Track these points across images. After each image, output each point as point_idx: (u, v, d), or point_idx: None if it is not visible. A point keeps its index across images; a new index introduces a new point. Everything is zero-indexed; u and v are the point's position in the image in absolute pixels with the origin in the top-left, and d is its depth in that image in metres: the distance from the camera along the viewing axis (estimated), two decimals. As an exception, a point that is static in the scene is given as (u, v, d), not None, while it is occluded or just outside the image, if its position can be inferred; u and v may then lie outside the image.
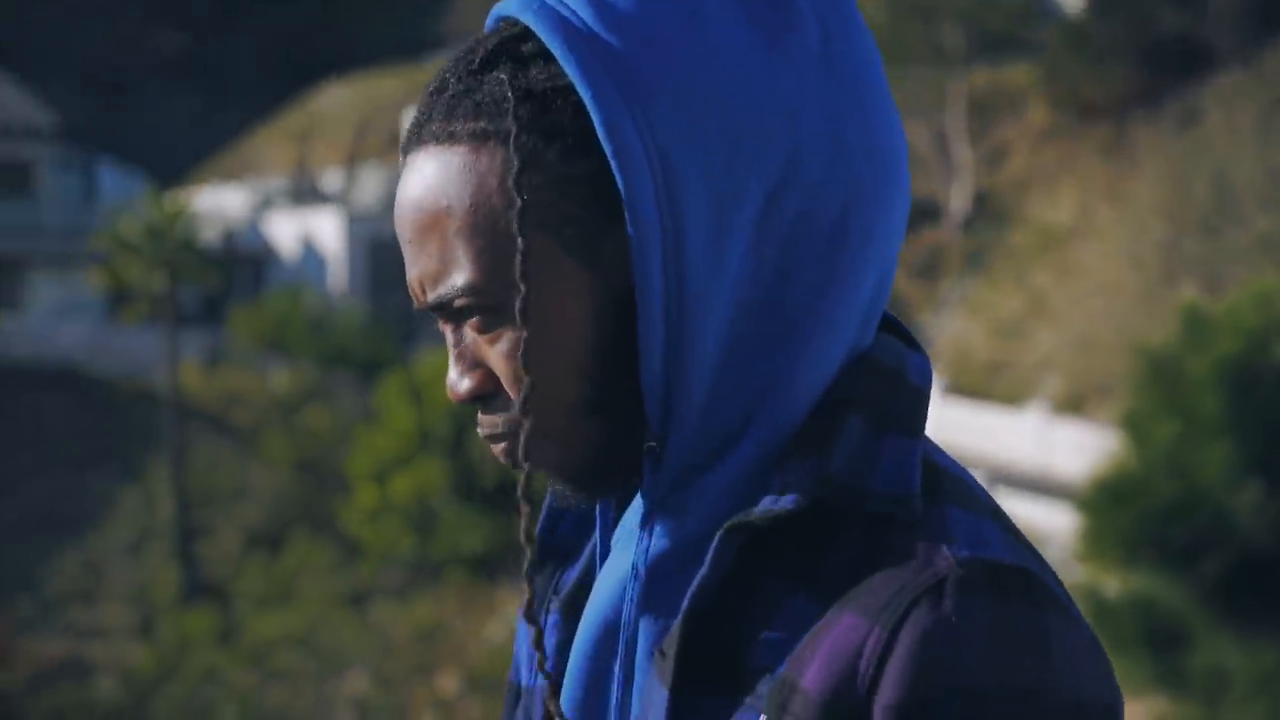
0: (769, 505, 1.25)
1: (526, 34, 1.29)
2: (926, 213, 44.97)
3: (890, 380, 1.30)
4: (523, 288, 1.26)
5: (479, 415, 1.34)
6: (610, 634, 1.34)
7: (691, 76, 1.25)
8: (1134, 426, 24.55)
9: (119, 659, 30.14)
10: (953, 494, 1.28)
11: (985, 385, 38.21)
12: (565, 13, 1.27)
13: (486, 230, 1.27)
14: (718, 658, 1.27)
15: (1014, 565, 1.23)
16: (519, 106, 1.26)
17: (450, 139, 1.28)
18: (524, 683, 1.45)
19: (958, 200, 44.76)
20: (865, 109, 1.29)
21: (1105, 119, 44.45)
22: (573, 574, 1.43)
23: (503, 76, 1.27)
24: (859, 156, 1.28)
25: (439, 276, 1.29)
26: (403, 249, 1.32)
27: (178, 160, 58.99)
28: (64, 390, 37.71)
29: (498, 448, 1.33)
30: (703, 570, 1.26)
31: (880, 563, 1.24)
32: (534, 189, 1.26)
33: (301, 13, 74.01)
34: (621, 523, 1.38)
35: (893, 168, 1.30)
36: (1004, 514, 1.29)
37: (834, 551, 1.26)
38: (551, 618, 1.42)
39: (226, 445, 35.95)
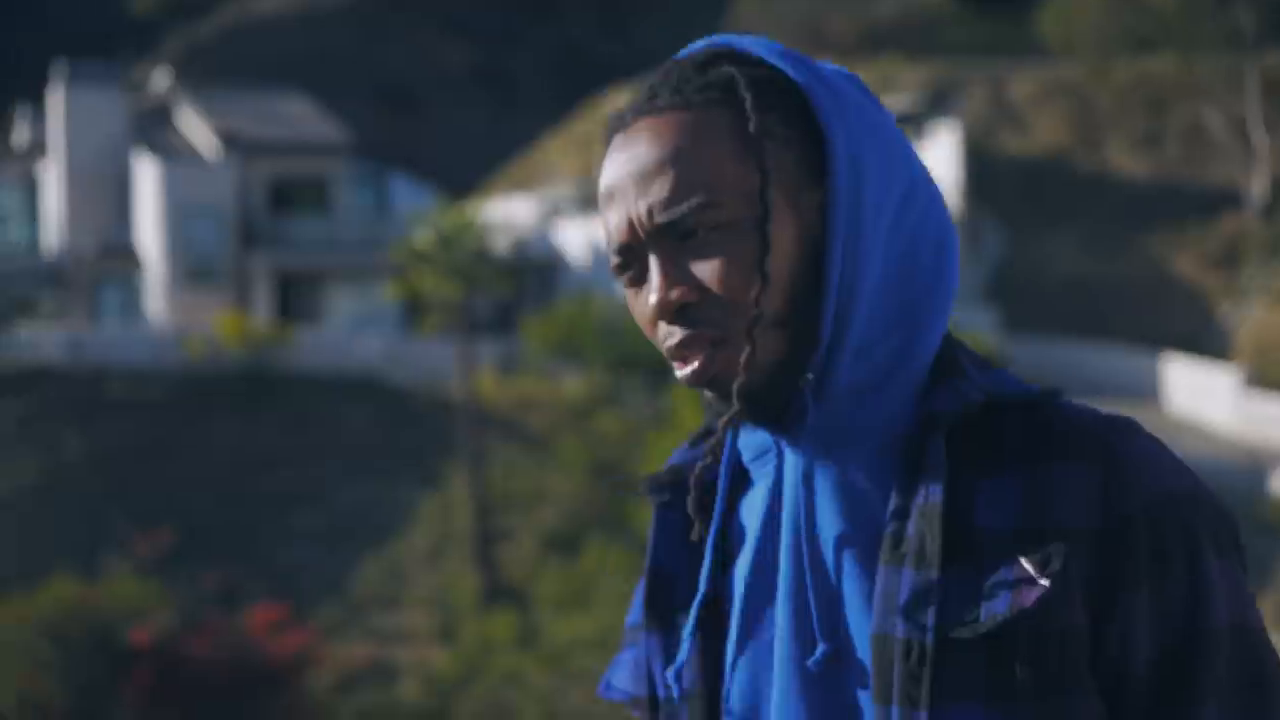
0: (955, 405, 1.65)
1: (735, 52, 1.71)
2: (1225, 200, 43.82)
3: (966, 346, 1.75)
4: (762, 210, 1.65)
5: (670, 328, 1.66)
6: (786, 548, 1.68)
7: (861, 106, 1.72)
8: None
9: (422, 662, 30.68)
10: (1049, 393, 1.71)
11: (1290, 376, 37.10)
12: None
13: (721, 163, 1.66)
14: (951, 537, 1.61)
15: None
16: (747, 85, 1.68)
17: (682, 106, 1.68)
18: (665, 693, 1.75)
19: (1257, 187, 43.55)
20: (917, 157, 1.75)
21: None
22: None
23: (729, 67, 1.69)
24: (940, 207, 1.75)
25: (671, 201, 1.66)
26: (616, 196, 1.68)
27: (467, 171, 59.96)
28: (364, 400, 38.55)
29: (693, 356, 1.65)
30: (936, 471, 1.62)
31: (1054, 430, 1.64)
32: (773, 147, 1.67)
33: (584, 20, 74.77)
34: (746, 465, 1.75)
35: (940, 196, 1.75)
36: None
37: (1006, 437, 1.65)
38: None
39: (522, 451, 36.42)
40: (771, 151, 1.66)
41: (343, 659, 30.45)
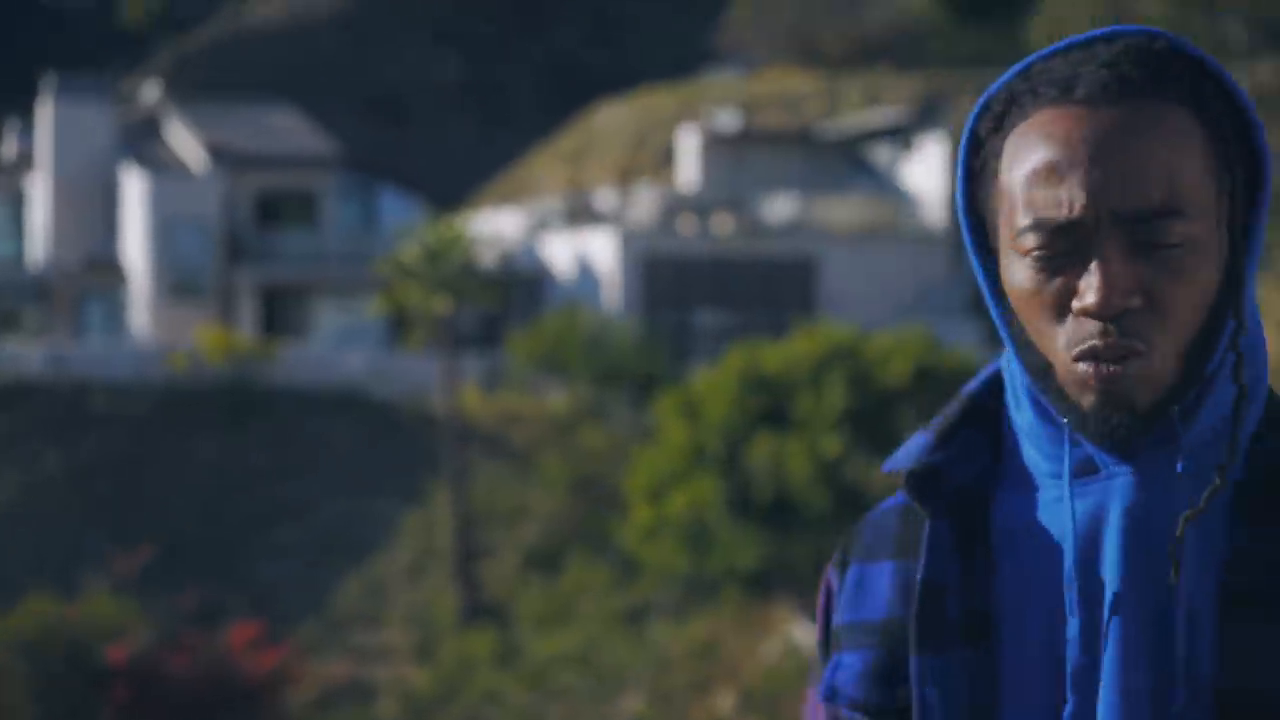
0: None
1: (1182, 50, 1.63)
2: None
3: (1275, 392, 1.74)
4: (1233, 239, 1.61)
5: (1098, 327, 1.58)
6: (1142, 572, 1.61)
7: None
8: None
9: (400, 680, 30.59)
10: None
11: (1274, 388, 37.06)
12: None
13: (1193, 172, 1.59)
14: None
15: None
16: (1216, 93, 1.62)
17: (1153, 95, 1.60)
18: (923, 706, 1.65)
19: (1244, 199, 43.56)
20: None
21: (1398, 110, 42.89)
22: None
23: (1194, 65, 1.61)
24: None
25: (1145, 192, 1.58)
26: (1074, 169, 1.59)
27: (456, 184, 59.91)
28: (348, 414, 38.46)
29: (1115, 363, 1.57)
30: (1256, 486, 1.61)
31: None
32: (1225, 161, 1.61)
33: (574, 33, 74.79)
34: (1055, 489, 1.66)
35: None
36: None
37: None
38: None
39: (505, 466, 36.33)
40: (1236, 175, 1.62)
41: (321, 677, 30.36)
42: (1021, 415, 1.68)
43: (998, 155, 1.65)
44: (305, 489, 35.69)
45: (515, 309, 44.04)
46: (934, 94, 48.74)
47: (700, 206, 45.66)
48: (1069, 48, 1.64)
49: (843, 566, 1.74)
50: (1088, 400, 1.60)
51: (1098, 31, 1.65)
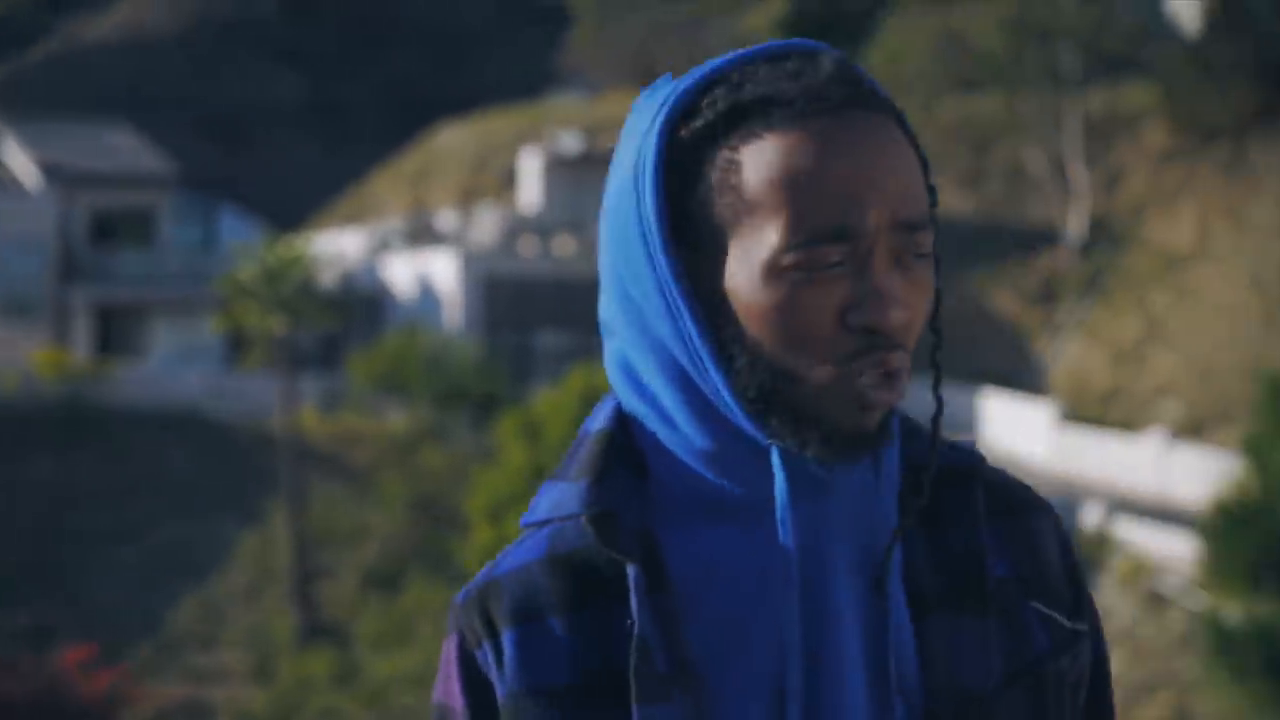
0: (974, 458, 1.67)
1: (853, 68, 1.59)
2: (1043, 237, 44.52)
3: None
4: (934, 252, 1.58)
5: (879, 340, 1.54)
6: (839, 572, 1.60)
7: None
8: (1254, 451, 24.15)
9: (238, 702, 30.36)
10: None
11: (1104, 411, 37.74)
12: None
13: (924, 192, 1.56)
14: (984, 587, 1.63)
15: None
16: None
17: (890, 110, 1.56)
18: (571, 681, 1.57)
19: (1075, 224, 44.31)
20: None
21: (1224, 140, 43.85)
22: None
23: (884, 93, 1.58)
24: None
25: (920, 210, 1.55)
26: (849, 178, 1.52)
27: (297, 205, 59.59)
28: (185, 435, 38.12)
29: (890, 383, 1.54)
30: (970, 516, 1.64)
31: (1011, 485, 1.68)
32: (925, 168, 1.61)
33: (417, 55, 74.65)
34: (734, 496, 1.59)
35: None
36: None
37: (976, 489, 1.65)
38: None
39: (344, 487, 36.18)
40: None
41: (157, 698, 30.06)
42: (703, 442, 1.57)
43: (730, 164, 1.54)
44: (141, 509, 35.32)
45: (355, 329, 43.89)
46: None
47: (542, 228, 45.77)
48: (774, 57, 1.56)
49: (490, 634, 1.59)
50: (849, 416, 1.54)
51: (776, 44, 1.58)
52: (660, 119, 1.56)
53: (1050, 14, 46.47)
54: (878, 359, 1.53)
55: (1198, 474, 31.52)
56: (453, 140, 53.71)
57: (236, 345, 43.50)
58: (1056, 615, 1.65)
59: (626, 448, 1.60)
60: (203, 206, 50.95)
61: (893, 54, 49.78)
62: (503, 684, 1.58)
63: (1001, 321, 42.34)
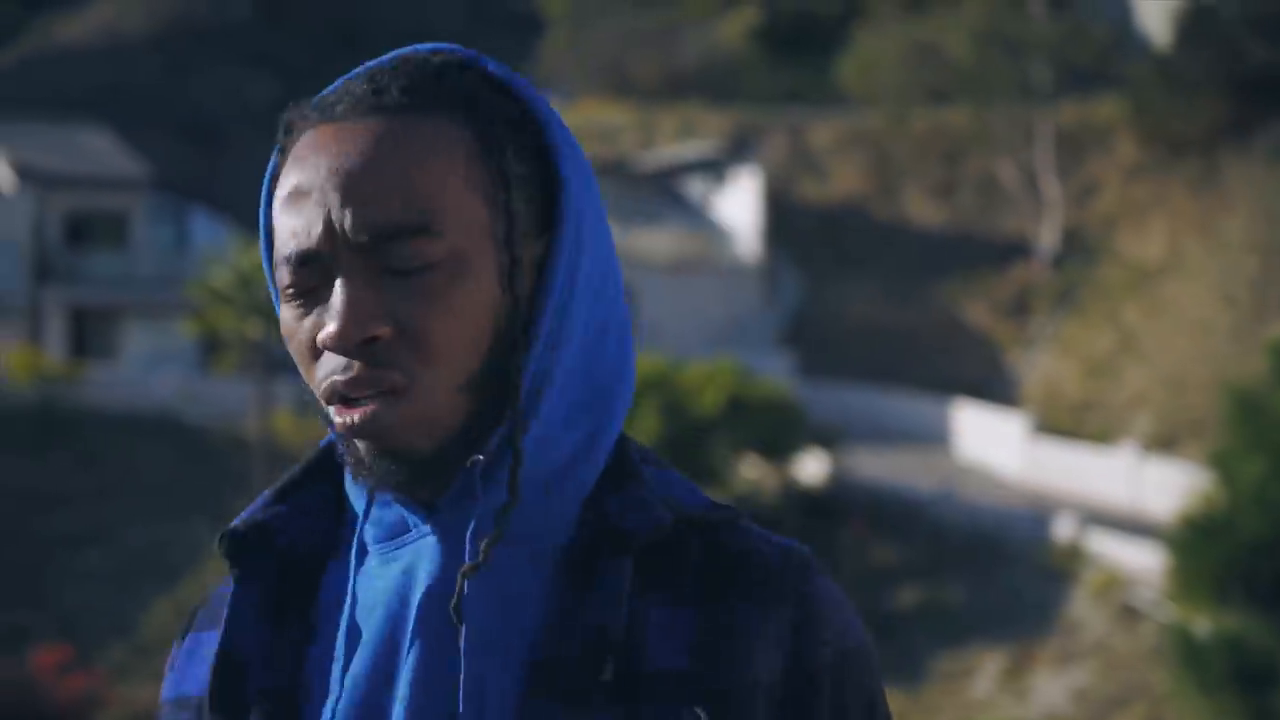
0: (645, 525, 1.43)
1: (476, 67, 1.49)
2: (1015, 250, 44.72)
3: (634, 440, 1.52)
4: (505, 256, 1.44)
5: (341, 362, 1.41)
6: (395, 648, 1.44)
7: (586, 162, 1.50)
8: (1222, 464, 24.31)
9: (211, 705, 30.38)
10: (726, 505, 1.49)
11: (1075, 424, 37.92)
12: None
13: (453, 187, 1.42)
14: (614, 672, 1.40)
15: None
16: (490, 106, 1.46)
17: (417, 108, 1.44)
18: (199, 692, 1.49)
19: (1047, 237, 44.52)
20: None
21: (1195, 153, 44.10)
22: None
23: (475, 78, 1.47)
24: (623, 294, 1.53)
25: (387, 214, 1.41)
26: (313, 195, 1.43)
27: (270, 208, 59.37)
28: (158, 438, 38.07)
29: (365, 401, 1.40)
30: (617, 596, 1.41)
31: (737, 560, 1.44)
32: (518, 185, 1.45)
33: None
34: (369, 541, 1.48)
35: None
36: None
37: (685, 561, 1.44)
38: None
39: (318, 491, 36.19)
40: (505, 189, 1.44)
41: (131, 701, 30.04)
42: (346, 473, 1.50)
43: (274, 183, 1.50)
44: (113, 512, 35.29)
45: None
46: (746, 128, 49.34)
47: (515, 235, 45.83)
48: (365, 70, 1.50)
49: (182, 636, 1.56)
50: (353, 447, 1.43)
51: (400, 51, 1.51)
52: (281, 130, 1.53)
53: (1021, 26, 46.68)
54: (338, 384, 1.41)
55: (1170, 487, 31.72)
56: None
57: (210, 348, 43.47)
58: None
59: (339, 465, 1.52)
60: (176, 209, 50.90)
61: (865, 64, 49.95)
62: (165, 688, 1.54)
63: (974, 333, 42.53)
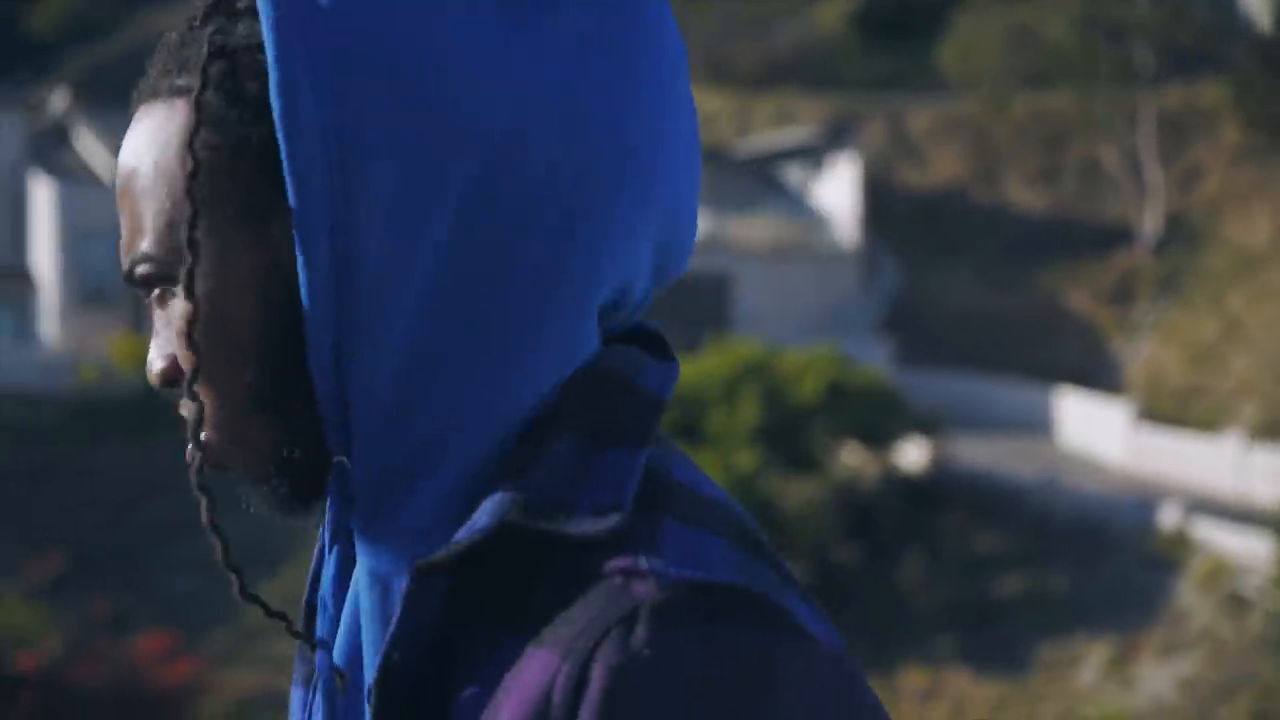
0: (461, 537, 1.14)
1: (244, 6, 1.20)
2: (1118, 236, 44.32)
3: (617, 392, 1.18)
4: (188, 256, 1.17)
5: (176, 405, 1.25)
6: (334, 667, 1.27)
7: (401, 47, 1.14)
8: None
9: (314, 691, 30.57)
10: (679, 507, 1.15)
11: (1180, 412, 37.54)
12: None
13: (165, 193, 1.19)
14: (427, 710, 1.16)
15: (728, 584, 1.10)
16: (211, 63, 1.18)
17: (154, 95, 1.22)
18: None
19: (1150, 222, 44.09)
20: (626, 101, 1.18)
21: (1300, 137, 43.58)
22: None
23: (206, 31, 1.19)
24: (605, 150, 1.17)
25: (128, 244, 1.22)
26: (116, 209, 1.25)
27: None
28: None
29: (190, 444, 1.25)
30: (395, 618, 1.15)
31: (583, 588, 1.12)
32: (211, 150, 1.17)
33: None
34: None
35: (649, 163, 1.19)
36: (752, 535, 1.17)
37: (541, 581, 1.13)
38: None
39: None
40: (217, 170, 1.18)
41: (234, 687, 30.25)
42: None
43: None
44: (216, 499, 35.54)
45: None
46: (844, 114, 49.12)
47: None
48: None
49: None
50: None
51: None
52: None
53: (1122, 10, 46.24)
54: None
55: (1277, 475, 31.34)
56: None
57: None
58: None
59: None
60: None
61: (964, 49, 49.64)
62: None
63: (1076, 319, 42.17)
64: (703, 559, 1.12)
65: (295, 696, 1.33)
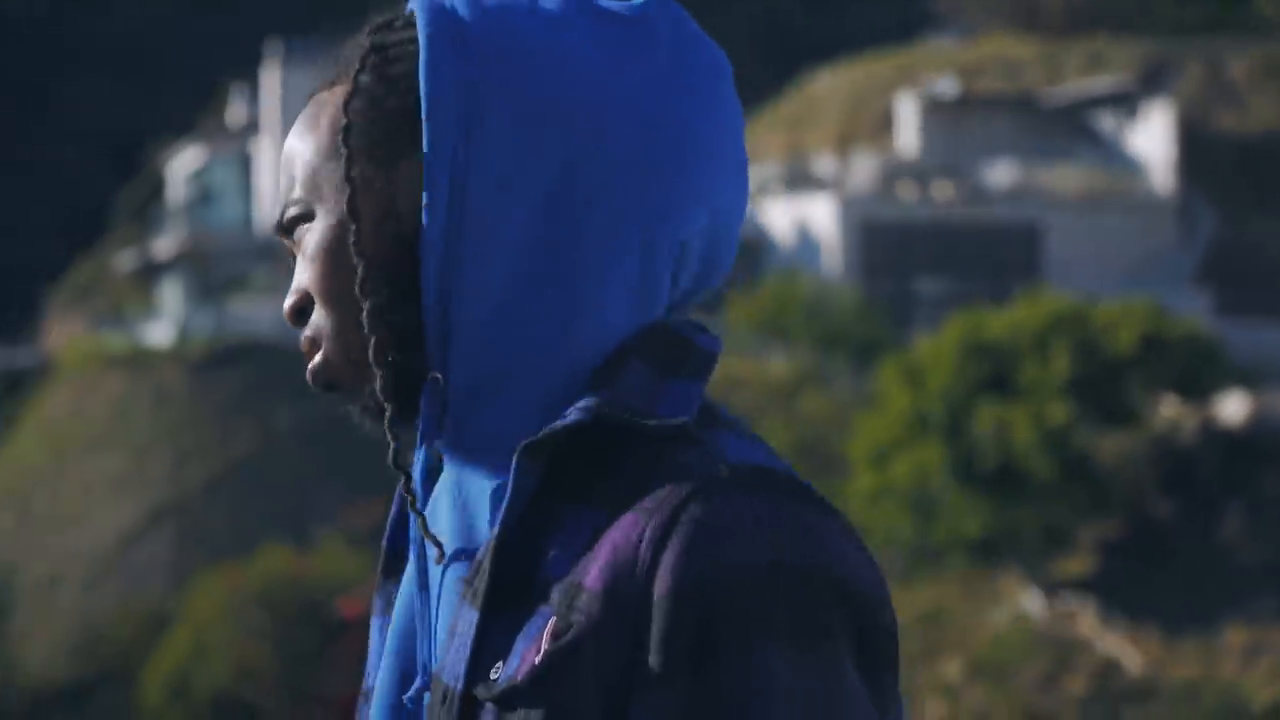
0: (553, 424, 1.37)
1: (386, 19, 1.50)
2: None
3: (678, 342, 1.43)
4: (346, 187, 1.43)
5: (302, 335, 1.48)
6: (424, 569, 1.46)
7: (527, 46, 1.43)
8: None
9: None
10: (727, 425, 1.42)
11: None
12: None
13: (319, 149, 1.46)
14: (518, 579, 1.37)
15: (784, 470, 1.38)
16: (369, 55, 1.46)
17: (317, 91, 1.50)
18: (368, 684, 1.53)
19: None
20: (692, 117, 1.44)
21: None
22: None
23: (365, 32, 1.48)
24: (669, 156, 1.43)
25: (282, 198, 1.49)
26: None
27: (673, 150, 59.89)
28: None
29: (310, 363, 1.47)
30: (507, 497, 1.37)
31: (660, 472, 1.36)
32: (357, 113, 1.45)
33: (787, 0, 74.58)
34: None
35: (705, 171, 1.44)
36: (776, 453, 1.42)
37: (620, 468, 1.38)
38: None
39: (726, 430, 36.43)
40: (362, 126, 1.45)
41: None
42: None
43: None
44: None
45: (735, 274, 44.06)
46: (1157, 60, 47.96)
47: (919, 173, 45.38)
48: None
49: None
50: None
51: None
52: None
53: None
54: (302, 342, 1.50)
55: None
56: (828, 85, 53.54)
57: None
58: (548, 633, 1.35)
59: None
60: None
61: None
62: None
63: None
64: (754, 454, 1.39)
65: (374, 626, 1.53)
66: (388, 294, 1.43)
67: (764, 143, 52.29)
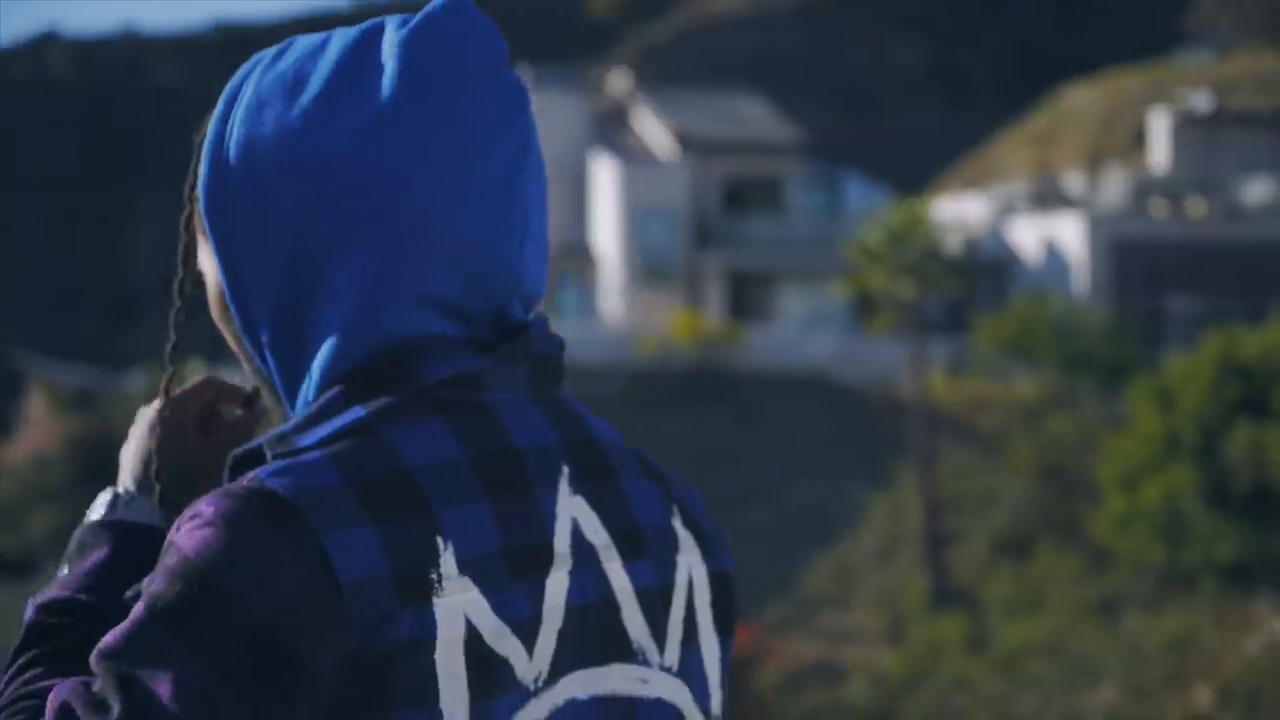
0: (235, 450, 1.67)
1: None
2: None
3: (388, 370, 1.61)
4: (184, 251, 1.75)
5: None
6: None
7: (259, 147, 1.64)
8: None
9: (869, 663, 30.64)
10: (333, 449, 1.57)
11: None
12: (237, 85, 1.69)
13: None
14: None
15: (267, 488, 1.54)
16: (193, 158, 1.70)
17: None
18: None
19: None
20: (403, 163, 1.60)
21: None
22: None
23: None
24: (384, 208, 1.60)
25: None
26: None
27: (920, 170, 59.63)
28: (814, 398, 38.66)
29: None
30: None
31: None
32: (187, 198, 1.72)
33: (1037, 16, 73.68)
34: None
35: (428, 214, 1.60)
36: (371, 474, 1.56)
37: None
38: None
39: (972, 452, 36.05)
40: (187, 200, 1.73)
41: (791, 656, 30.61)
42: None
43: None
44: (772, 470, 36.03)
45: (980, 294, 43.66)
46: None
47: (1171, 189, 44.54)
48: None
49: None
50: None
51: None
52: None
53: None
54: None
55: None
56: (1078, 101, 52.81)
57: (863, 309, 43.87)
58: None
59: None
60: (827, 173, 51.56)
61: None
62: None
63: None
64: (286, 472, 1.55)
65: None
66: (235, 331, 1.71)
67: (1009, 160, 51.73)
